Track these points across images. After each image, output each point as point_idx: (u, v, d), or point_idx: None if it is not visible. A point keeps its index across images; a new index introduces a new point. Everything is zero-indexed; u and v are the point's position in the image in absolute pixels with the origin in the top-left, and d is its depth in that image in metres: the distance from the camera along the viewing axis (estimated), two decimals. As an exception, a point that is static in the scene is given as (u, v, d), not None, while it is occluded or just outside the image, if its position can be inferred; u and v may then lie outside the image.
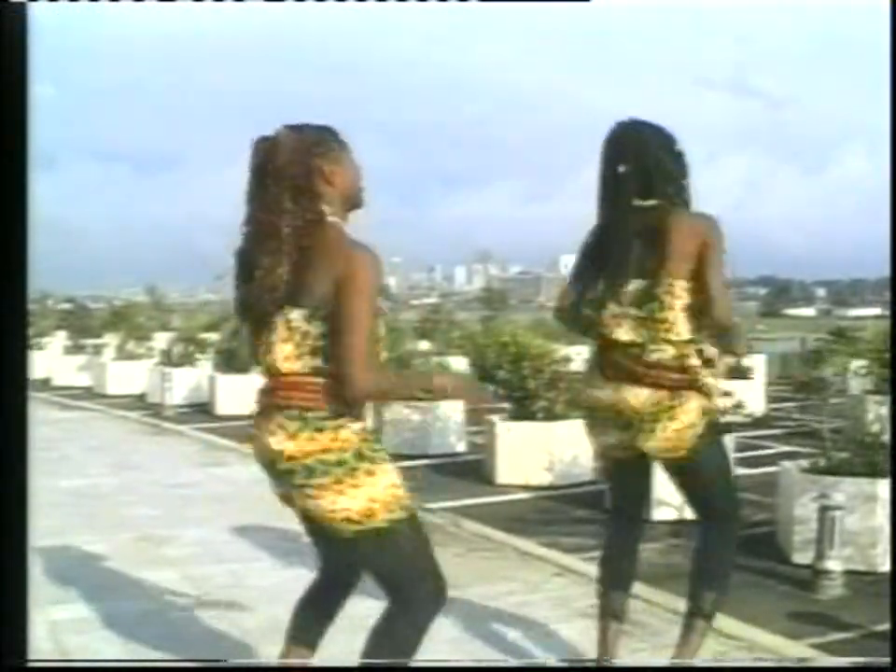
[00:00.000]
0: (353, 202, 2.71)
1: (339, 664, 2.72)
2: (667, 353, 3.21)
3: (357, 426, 2.58)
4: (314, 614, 2.98)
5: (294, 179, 2.58)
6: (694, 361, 3.25)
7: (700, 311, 3.23)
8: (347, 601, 2.97)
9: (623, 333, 3.24)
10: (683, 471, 3.35)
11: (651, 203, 3.26)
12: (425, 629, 2.66)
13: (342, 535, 2.56)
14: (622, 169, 3.27)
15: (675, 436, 3.23)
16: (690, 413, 3.23)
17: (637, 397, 3.22)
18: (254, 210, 2.63)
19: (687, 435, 3.24)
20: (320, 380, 2.55)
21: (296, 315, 2.55)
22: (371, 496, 2.53)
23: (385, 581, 2.65)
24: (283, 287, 2.55)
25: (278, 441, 2.55)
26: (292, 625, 2.98)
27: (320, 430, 2.54)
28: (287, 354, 2.56)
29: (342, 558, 2.78)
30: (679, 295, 3.20)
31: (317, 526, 2.65)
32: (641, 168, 3.26)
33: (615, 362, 3.26)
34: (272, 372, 2.61)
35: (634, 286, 3.24)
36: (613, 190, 3.31)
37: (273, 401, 2.59)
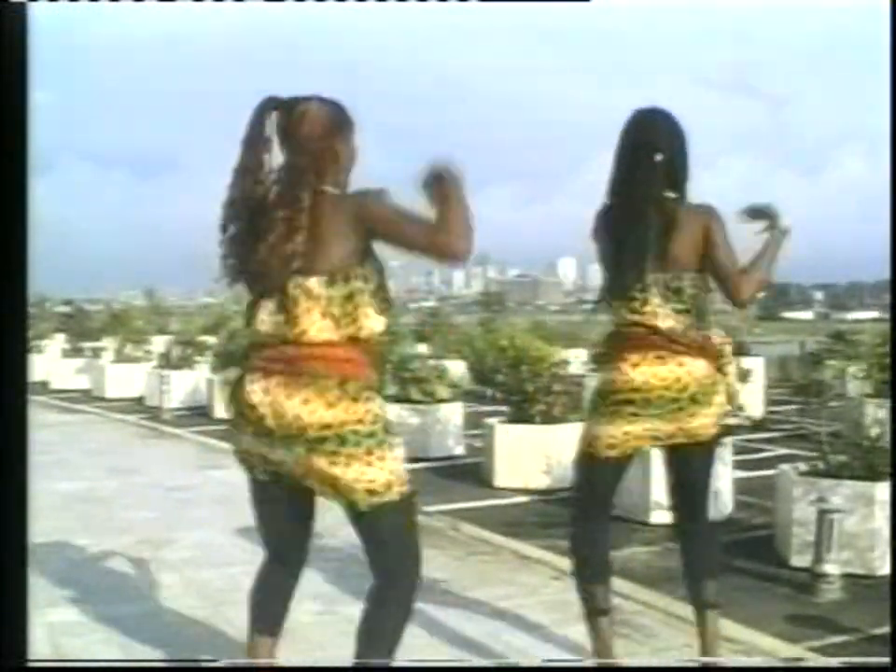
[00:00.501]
0: (345, 181, 2.77)
1: (338, 664, 2.73)
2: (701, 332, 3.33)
3: (379, 399, 2.67)
4: (274, 599, 2.97)
5: (316, 152, 2.65)
6: (717, 340, 3.38)
7: (720, 289, 3.35)
8: (300, 579, 2.99)
9: (662, 321, 3.29)
10: (701, 455, 3.43)
11: (670, 195, 3.32)
12: (411, 611, 2.72)
13: (356, 506, 2.61)
14: (659, 157, 3.29)
15: (719, 412, 3.36)
16: (723, 387, 3.37)
17: (700, 369, 3.30)
18: (264, 175, 2.67)
19: (722, 411, 3.37)
20: (355, 350, 2.61)
21: (314, 283, 2.60)
22: (391, 468, 2.62)
23: (386, 556, 2.69)
24: (298, 256, 2.59)
25: (312, 411, 2.56)
26: (255, 616, 2.96)
27: (356, 400, 2.59)
28: (318, 323, 2.59)
29: (355, 526, 2.74)
30: (702, 286, 3.32)
31: (329, 497, 2.66)
32: (670, 159, 3.31)
33: (667, 340, 3.28)
34: (298, 342, 2.60)
35: (662, 278, 3.28)
36: (642, 179, 3.30)
37: (301, 369, 2.59)
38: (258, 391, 2.63)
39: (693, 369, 3.29)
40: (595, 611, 3.45)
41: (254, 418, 2.65)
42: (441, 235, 2.54)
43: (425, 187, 2.63)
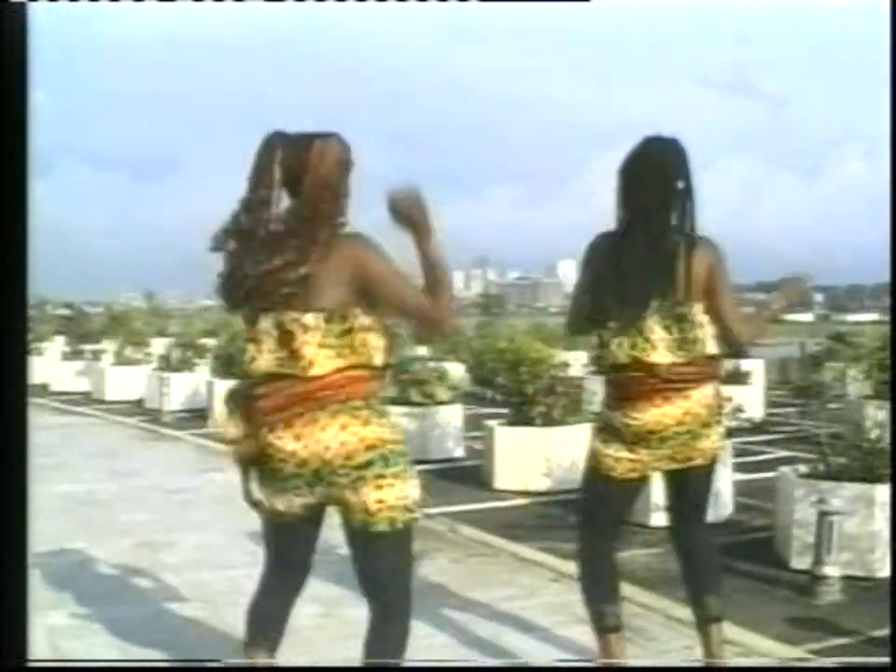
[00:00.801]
0: (340, 216, 2.78)
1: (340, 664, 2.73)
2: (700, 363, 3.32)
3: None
4: (277, 612, 2.95)
5: (334, 188, 2.69)
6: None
7: (718, 330, 3.35)
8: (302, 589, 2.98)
9: (660, 356, 3.25)
10: (707, 474, 3.46)
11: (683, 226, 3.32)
12: (408, 635, 2.76)
13: (395, 525, 2.63)
14: (681, 185, 3.29)
15: (723, 433, 3.40)
16: (724, 413, 3.43)
17: (706, 396, 3.30)
18: (272, 207, 2.68)
19: (723, 433, 3.41)
20: (364, 370, 2.64)
21: (310, 319, 2.61)
22: (416, 484, 2.68)
23: (396, 579, 2.72)
24: (294, 286, 2.60)
25: (354, 433, 2.59)
26: (255, 629, 2.94)
27: (383, 415, 2.65)
28: (320, 353, 2.60)
29: (365, 553, 2.74)
30: (703, 317, 3.30)
31: (360, 520, 2.65)
32: (684, 189, 3.30)
33: (668, 379, 3.26)
34: (306, 375, 2.60)
35: (663, 308, 3.27)
36: (661, 210, 3.29)
37: (324, 401, 2.59)
38: (288, 441, 2.61)
39: (701, 397, 3.29)
40: (605, 629, 3.43)
41: (292, 468, 2.63)
42: (432, 313, 2.66)
43: (394, 213, 2.67)
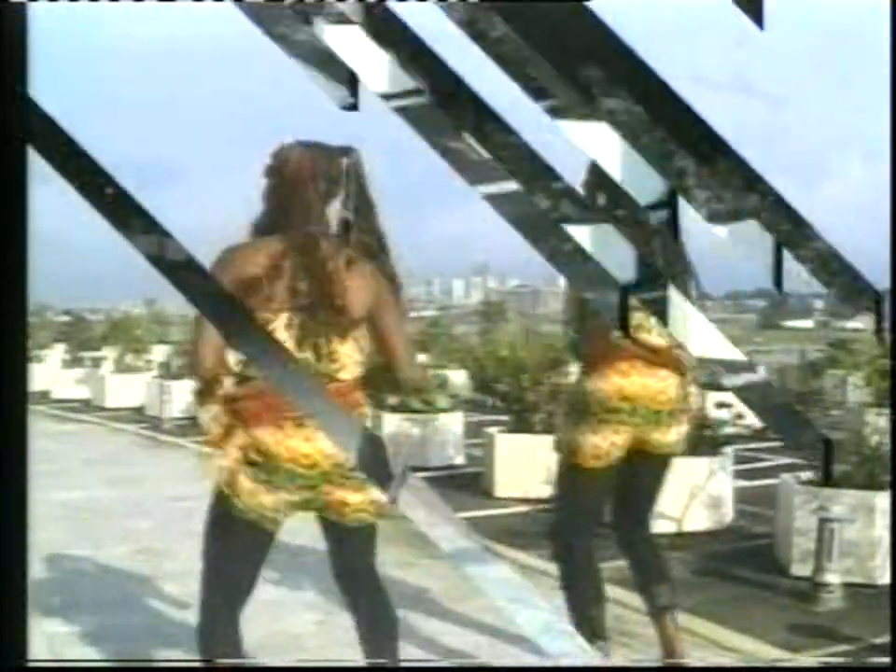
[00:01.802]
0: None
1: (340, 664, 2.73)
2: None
3: None
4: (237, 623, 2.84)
5: (356, 201, 2.72)
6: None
7: None
8: None
9: (653, 337, 3.29)
10: (664, 468, 3.51)
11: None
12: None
13: (367, 521, 2.74)
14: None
15: (685, 427, 3.44)
16: (689, 403, 3.48)
17: (675, 386, 3.37)
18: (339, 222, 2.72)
19: (686, 426, 3.46)
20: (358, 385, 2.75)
21: (353, 321, 2.69)
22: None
23: (372, 570, 2.85)
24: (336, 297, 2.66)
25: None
26: (226, 643, 2.78)
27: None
28: (353, 357, 2.70)
29: (349, 549, 2.85)
30: None
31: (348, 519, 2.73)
32: None
33: (649, 351, 3.30)
34: (333, 377, 2.65)
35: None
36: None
37: (347, 403, 2.63)
38: (299, 441, 2.60)
39: (672, 384, 3.37)
40: (594, 637, 3.39)
41: (300, 469, 2.62)
42: (405, 359, 2.83)
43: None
